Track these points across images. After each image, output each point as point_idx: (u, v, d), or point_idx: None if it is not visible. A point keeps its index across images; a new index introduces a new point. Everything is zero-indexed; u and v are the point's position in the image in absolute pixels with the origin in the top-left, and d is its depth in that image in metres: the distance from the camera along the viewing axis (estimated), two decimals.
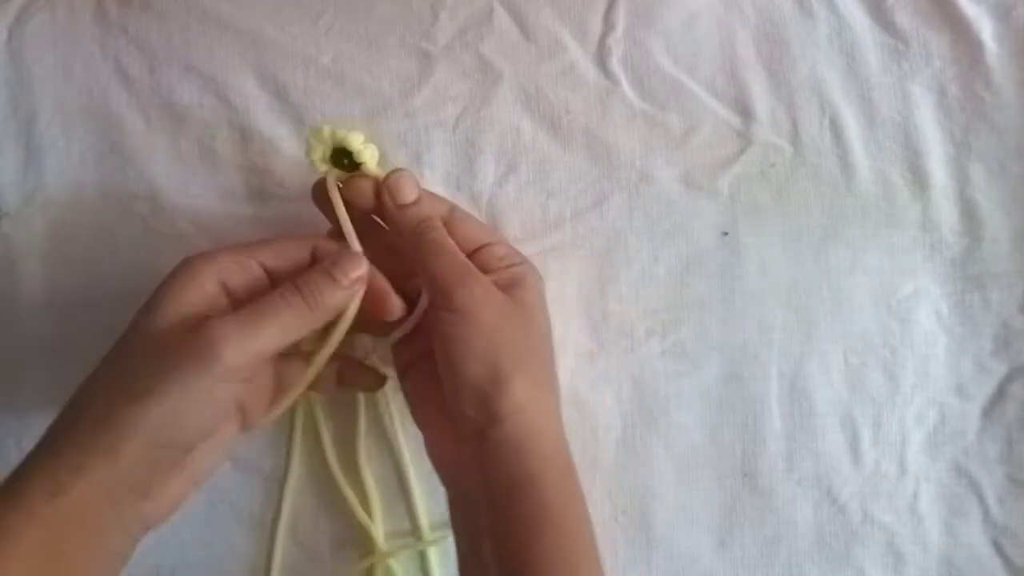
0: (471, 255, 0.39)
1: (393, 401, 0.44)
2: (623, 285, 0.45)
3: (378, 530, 0.44)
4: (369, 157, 0.39)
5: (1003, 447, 0.45)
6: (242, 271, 0.36)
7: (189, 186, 0.45)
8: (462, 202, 0.45)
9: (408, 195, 0.38)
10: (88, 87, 0.45)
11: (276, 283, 0.36)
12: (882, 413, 0.45)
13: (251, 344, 0.33)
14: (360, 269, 0.36)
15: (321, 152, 0.39)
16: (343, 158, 0.39)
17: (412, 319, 0.40)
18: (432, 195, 0.41)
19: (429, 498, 0.44)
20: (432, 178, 0.45)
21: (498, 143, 0.45)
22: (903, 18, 0.46)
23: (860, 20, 0.46)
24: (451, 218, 0.40)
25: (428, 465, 0.40)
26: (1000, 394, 0.46)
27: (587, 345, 0.45)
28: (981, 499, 0.45)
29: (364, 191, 0.38)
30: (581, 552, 0.35)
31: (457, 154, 0.45)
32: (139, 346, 0.33)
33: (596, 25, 0.46)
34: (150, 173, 0.45)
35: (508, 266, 0.39)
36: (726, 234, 0.45)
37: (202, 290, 0.34)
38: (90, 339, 0.44)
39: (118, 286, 0.44)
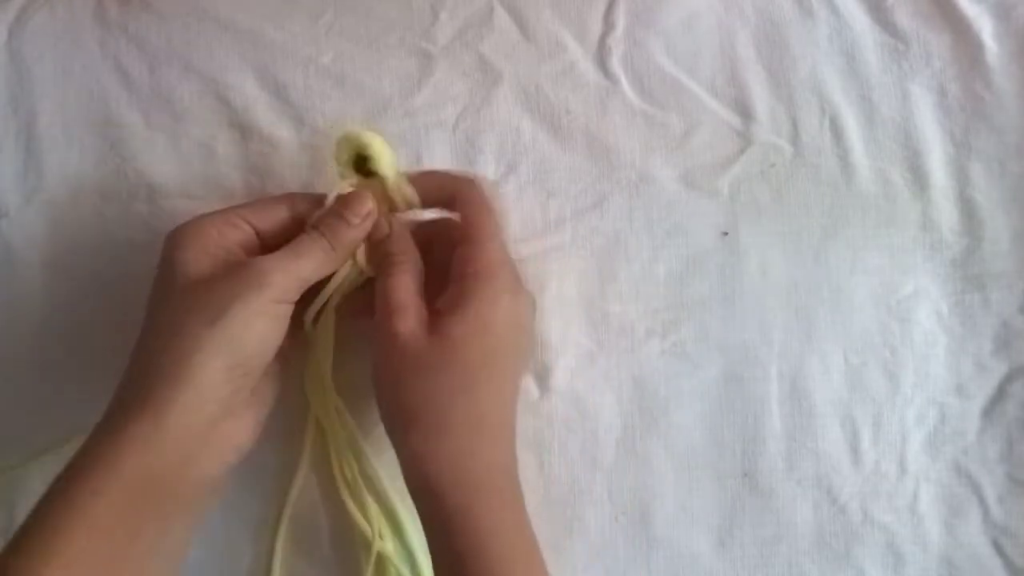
0: (454, 246, 0.39)
1: None
2: (623, 285, 0.45)
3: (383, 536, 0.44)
4: (388, 164, 0.39)
5: (1003, 447, 0.45)
6: (236, 230, 0.38)
7: (189, 186, 0.45)
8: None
9: (375, 232, 0.40)
10: (88, 87, 0.45)
11: (262, 239, 0.39)
12: (882, 413, 0.45)
13: (295, 273, 0.37)
14: (367, 205, 0.39)
15: (347, 156, 0.40)
16: (363, 162, 0.40)
17: None
18: (435, 174, 0.41)
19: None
20: None
21: (498, 143, 0.45)
22: (903, 18, 0.46)
23: (860, 20, 0.46)
24: (454, 199, 0.40)
25: None
26: (1000, 394, 0.46)
27: (587, 345, 0.45)
28: (981, 499, 0.45)
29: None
30: None
31: (457, 154, 0.45)
32: (188, 290, 0.36)
33: (596, 25, 0.46)
34: (150, 173, 0.45)
35: (462, 276, 0.38)
36: (726, 234, 0.45)
37: (215, 242, 0.37)
38: (90, 338, 0.44)
39: (118, 286, 0.44)
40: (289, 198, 0.40)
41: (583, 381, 0.45)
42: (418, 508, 0.38)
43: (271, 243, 0.39)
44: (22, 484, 0.43)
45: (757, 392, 0.45)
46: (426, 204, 0.41)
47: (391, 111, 0.45)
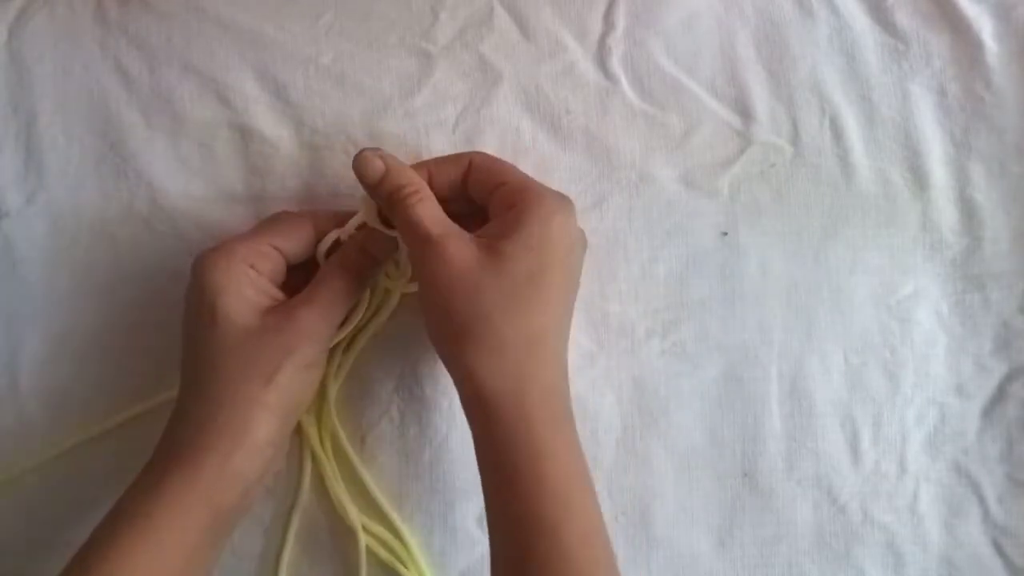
0: (488, 200, 0.40)
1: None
2: (623, 285, 0.45)
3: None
4: None
5: (1003, 447, 0.45)
6: (267, 260, 0.40)
7: (189, 186, 0.45)
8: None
9: (372, 173, 0.39)
10: (88, 87, 0.45)
11: (288, 261, 0.41)
12: (882, 413, 0.45)
13: (331, 322, 0.40)
14: (382, 245, 0.41)
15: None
16: None
17: None
18: (440, 158, 0.41)
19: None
20: None
21: (498, 143, 0.45)
22: (903, 18, 0.46)
23: (860, 20, 0.46)
24: (468, 168, 0.41)
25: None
26: (1000, 394, 0.46)
27: (587, 345, 0.45)
28: (981, 499, 0.45)
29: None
30: (559, 517, 0.35)
31: None
32: (238, 345, 0.38)
33: (596, 25, 0.46)
34: (150, 173, 0.45)
35: (509, 208, 0.39)
36: (726, 234, 0.45)
37: (252, 283, 0.39)
38: (90, 338, 0.44)
39: (118, 286, 0.44)
40: (312, 217, 0.41)
41: (583, 381, 0.45)
42: (472, 426, 0.38)
43: (295, 263, 0.41)
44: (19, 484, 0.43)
45: (757, 392, 0.45)
46: (442, 184, 0.41)
47: (391, 111, 0.45)
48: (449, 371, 0.39)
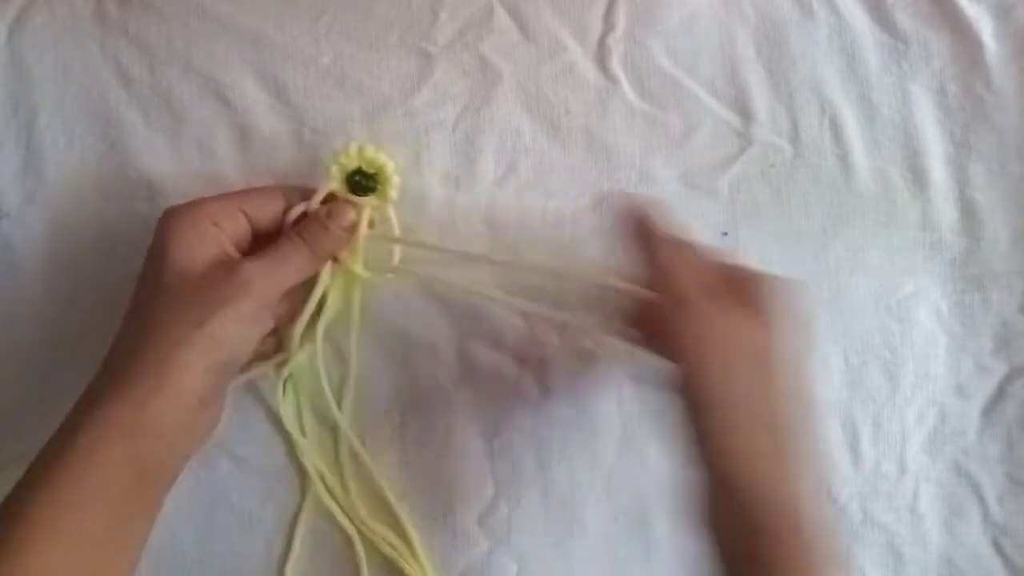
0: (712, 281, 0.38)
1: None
2: None
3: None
4: (393, 191, 0.41)
5: (1003, 447, 0.45)
6: (234, 223, 0.40)
7: (189, 186, 0.45)
8: (462, 202, 0.45)
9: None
10: (88, 87, 0.45)
11: (255, 230, 0.40)
12: (882, 413, 0.45)
13: (276, 282, 0.39)
14: (351, 217, 0.41)
15: (351, 168, 0.41)
16: (363, 178, 0.41)
17: None
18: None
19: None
20: (432, 178, 0.45)
21: (498, 143, 0.45)
22: (903, 18, 0.46)
23: (860, 20, 0.46)
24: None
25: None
26: (1000, 394, 0.46)
27: (586, 345, 0.45)
28: (981, 499, 0.45)
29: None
30: None
31: (457, 154, 0.45)
32: (176, 287, 0.37)
33: (596, 25, 0.46)
34: (150, 173, 0.45)
35: (752, 291, 0.37)
36: (726, 234, 0.45)
37: (212, 236, 0.38)
38: (90, 338, 0.44)
39: (118, 285, 0.44)
40: (283, 190, 0.42)
41: (583, 381, 0.45)
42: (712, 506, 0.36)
43: (261, 234, 0.41)
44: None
45: None
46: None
47: (391, 111, 0.45)
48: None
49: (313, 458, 0.44)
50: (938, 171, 0.46)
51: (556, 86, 0.45)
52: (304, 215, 0.41)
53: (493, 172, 0.45)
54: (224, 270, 0.38)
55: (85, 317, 0.44)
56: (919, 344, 0.45)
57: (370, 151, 0.41)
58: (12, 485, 0.42)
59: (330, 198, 0.41)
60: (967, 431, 0.46)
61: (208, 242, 0.38)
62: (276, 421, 0.44)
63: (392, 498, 0.44)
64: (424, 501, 0.44)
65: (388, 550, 0.44)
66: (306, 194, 0.41)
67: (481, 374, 0.45)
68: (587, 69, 0.46)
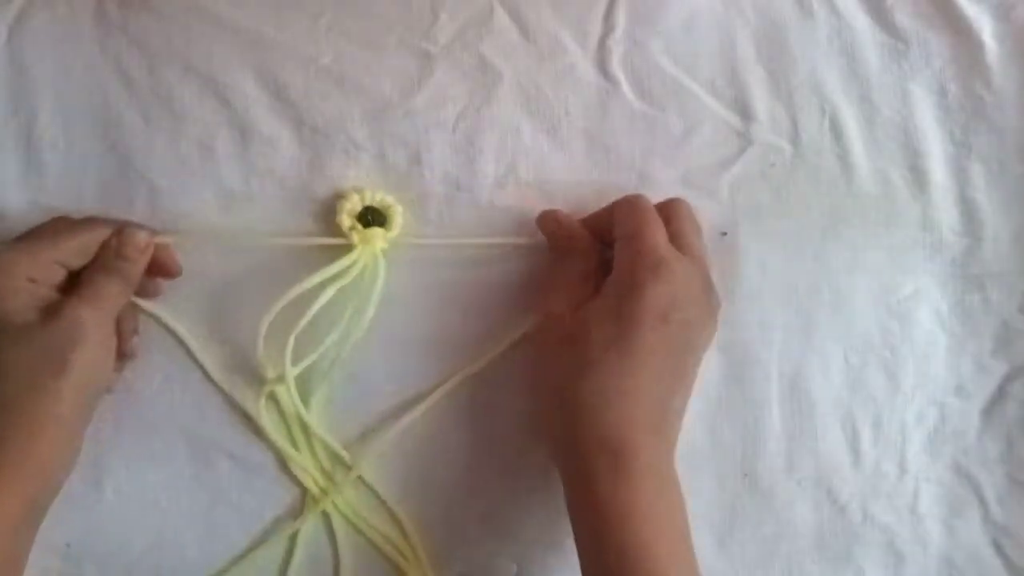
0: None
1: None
2: None
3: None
4: (397, 215, 0.44)
5: (1003, 447, 0.45)
6: (51, 274, 0.40)
7: (189, 186, 0.45)
8: (462, 202, 0.45)
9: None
10: (88, 87, 0.45)
11: (70, 270, 0.41)
12: (882, 413, 0.45)
13: (107, 314, 0.41)
14: (140, 240, 0.42)
15: (351, 207, 0.44)
16: (370, 215, 0.44)
17: None
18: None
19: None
20: (432, 178, 0.45)
21: (498, 143, 0.45)
22: (903, 18, 0.46)
23: (860, 20, 0.46)
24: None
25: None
26: (1000, 394, 0.46)
27: None
28: (981, 499, 0.45)
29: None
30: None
31: (457, 154, 0.45)
32: (17, 340, 0.39)
33: (596, 26, 0.46)
34: (150, 173, 0.45)
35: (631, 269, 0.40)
36: (726, 234, 0.45)
37: (28, 289, 0.40)
38: None
39: None
40: (93, 226, 0.42)
41: None
42: (588, 472, 0.38)
43: (78, 268, 0.41)
44: None
45: (757, 392, 0.45)
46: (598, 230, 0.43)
47: (391, 111, 0.45)
48: (577, 410, 0.39)
49: (307, 466, 0.44)
50: (938, 171, 0.46)
51: (556, 87, 0.45)
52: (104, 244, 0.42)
53: (493, 172, 0.45)
54: (55, 314, 0.39)
55: None
56: (919, 344, 0.45)
57: (370, 193, 0.44)
58: None
59: None
60: (967, 431, 0.46)
61: (30, 296, 0.39)
62: (275, 422, 0.44)
63: (392, 499, 0.44)
64: (424, 501, 0.44)
65: (389, 550, 0.44)
66: (115, 226, 0.42)
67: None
68: (587, 70, 0.46)
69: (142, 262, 0.42)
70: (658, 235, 0.40)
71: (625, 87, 0.46)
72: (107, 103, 0.45)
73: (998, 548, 0.45)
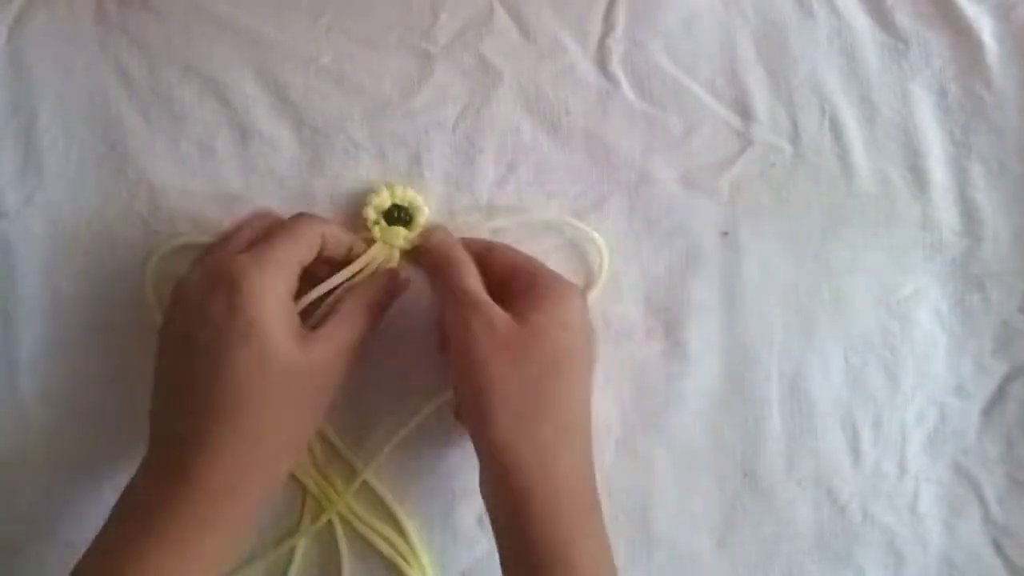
0: (509, 280, 0.40)
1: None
2: (623, 285, 0.45)
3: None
4: (422, 216, 0.44)
5: (1003, 447, 0.45)
6: (293, 276, 0.39)
7: (189, 186, 0.45)
8: (462, 202, 0.45)
9: (438, 241, 0.42)
10: (88, 87, 0.45)
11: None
12: (882, 413, 0.45)
13: (348, 353, 0.39)
14: (400, 287, 0.42)
15: (379, 202, 0.44)
16: (397, 212, 0.44)
17: None
18: (469, 240, 0.43)
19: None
20: (432, 178, 0.45)
21: (498, 143, 0.45)
22: (903, 18, 0.46)
23: (860, 20, 0.46)
24: (488, 252, 0.42)
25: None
26: (1000, 394, 0.46)
27: None
28: (981, 499, 0.45)
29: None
30: None
31: (457, 154, 0.45)
32: (283, 382, 0.36)
33: (596, 26, 0.46)
34: (150, 173, 0.45)
35: (534, 286, 0.40)
36: (726, 234, 0.45)
37: (290, 311, 0.38)
38: (89, 338, 0.44)
39: (118, 286, 0.44)
40: (321, 224, 0.41)
41: None
42: (495, 504, 0.38)
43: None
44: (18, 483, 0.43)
45: (757, 392, 0.45)
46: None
47: (391, 111, 0.45)
48: (478, 442, 0.38)
49: (308, 469, 0.44)
50: (938, 171, 0.46)
51: (556, 86, 0.45)
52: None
53: (493, 172, 0.45)
54: (319, 360, 0.37)
55: (84, 317, 0.44)
56: (919, 344, 0.45)
57: (400, 190, 0.44)
58: (13, 494, 0.42)
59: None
60: (967, 431, 0.46)
61: (292, 320, 0.37)
62: None
63: (392, 499, 0.44)
64: (424, 501, 0.44)
65: (388, 551, 0.44)
66: (348, 237, 0.42)
67: None
68: (587, 70, 0.46)
69: (384, 299, 0.41)
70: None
71: (625, 87, 0.46)
72: (107, 103, 0.45)
73: (998, 548, 0.45)
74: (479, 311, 0.38)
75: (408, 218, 0.44)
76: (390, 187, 0.44)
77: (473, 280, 0.40)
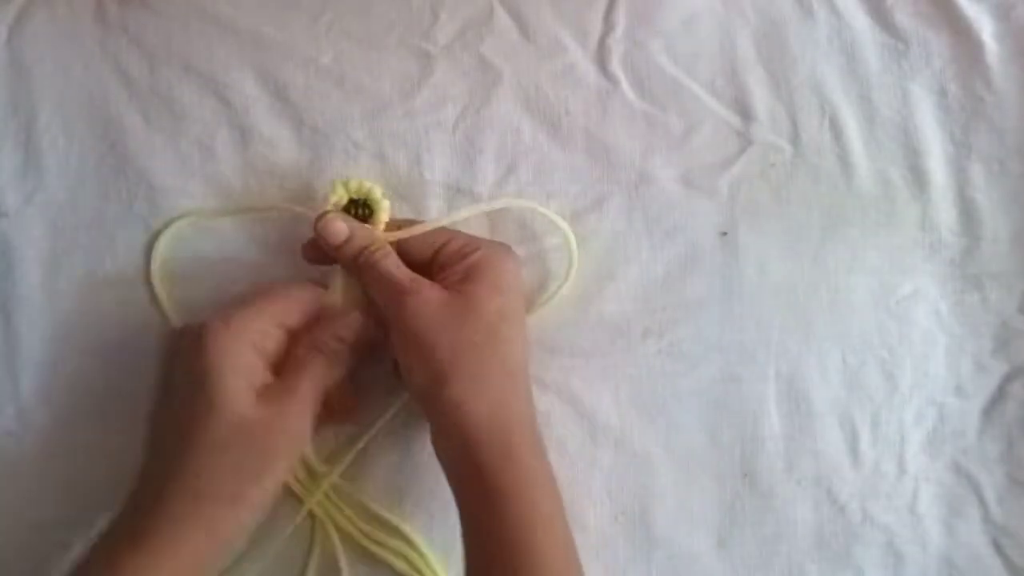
0: (433, 257, 0.41)
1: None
2: (621, 285, 0.45)
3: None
4: (382, 211, 0.42)
5: (1003, 447, 0.45)
6: (269, 339, 0.39)
7: (189, 186, 0.45)
8: (462, 202, 0.45)
9: (337, 236, 0.40)
10: (88, 87, 0.45)
11: (290, 333, 0.40)
12: (881, 413, 0.45)
13: (310, 412, 0.39)
14: (354, 328, 0.41)
15: (336, 199, 0.42)
16: (356, 208, 0.42)
17: None
18: (394, 224, 0.42)
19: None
20: (432, 178, 0.45)
21: (498, 143, 0.45)
22: (903, 18, 0.46)
23: (860, 20, 0.46)
24: (417, 236, 0.42)
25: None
26: (1000, 394, 0.46)
27: (585, 345, 0.45)
28: (981, 499, 0.45)
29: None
30: (547, 543, 0.37)
31: (457, 154, 0.45)
32: (232, 436, 0.37)
33: (596, 26, 0.46)
34: (150, 173, 0.45)
35: (463, 258, 0.40)
36: (725, 234, 0.45)
37: (252, 366, 0.38)
38: (89, 339, 0.44)
39: (118, 286, 0.44)
40: (307, 290, 0.41)
41: (581, 381, 0.45)
42: (450, 459, 0.39)
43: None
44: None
45: (755, 392, 0.45)
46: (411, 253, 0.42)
47: (391, 111, 0.45)
48: (428, 411, 0.40)
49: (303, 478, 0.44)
50: (938, 171, 0.46)
51: (556, 86, 0.45)
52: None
53: (493, 172, 0.45)
54: (271, 414, 0.38)
55: (84, 317, 0.44)
56: (918, 344, 0.45)
57: (354, 183, 0.42)
58: (13, 496, 0.42)
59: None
60: (967, 431, 0.46)
61: (253, 375, 0.38)
62: None
63: (392, 501, 0.44)
64: (424, 501, 0.44)
65: (401, 564, 0.44)
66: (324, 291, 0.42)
67: None
68: (587, 69, 0.46)
69: (346, 350, 0.41)
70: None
71: (625, 86, 0.46)
72: (107, 103, 0.45)
73: (998, 548, 0.45)
74: (408, 293, 0.39)
75: (368, 211, 0.42)
76: (345, 182, 0.42)
77: (392, 261, 0.40)
